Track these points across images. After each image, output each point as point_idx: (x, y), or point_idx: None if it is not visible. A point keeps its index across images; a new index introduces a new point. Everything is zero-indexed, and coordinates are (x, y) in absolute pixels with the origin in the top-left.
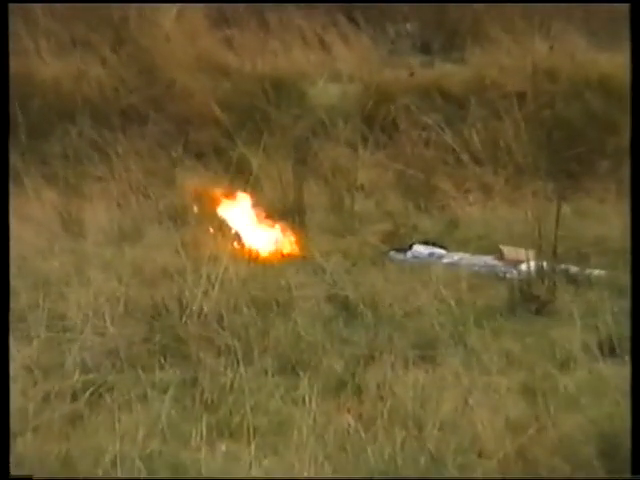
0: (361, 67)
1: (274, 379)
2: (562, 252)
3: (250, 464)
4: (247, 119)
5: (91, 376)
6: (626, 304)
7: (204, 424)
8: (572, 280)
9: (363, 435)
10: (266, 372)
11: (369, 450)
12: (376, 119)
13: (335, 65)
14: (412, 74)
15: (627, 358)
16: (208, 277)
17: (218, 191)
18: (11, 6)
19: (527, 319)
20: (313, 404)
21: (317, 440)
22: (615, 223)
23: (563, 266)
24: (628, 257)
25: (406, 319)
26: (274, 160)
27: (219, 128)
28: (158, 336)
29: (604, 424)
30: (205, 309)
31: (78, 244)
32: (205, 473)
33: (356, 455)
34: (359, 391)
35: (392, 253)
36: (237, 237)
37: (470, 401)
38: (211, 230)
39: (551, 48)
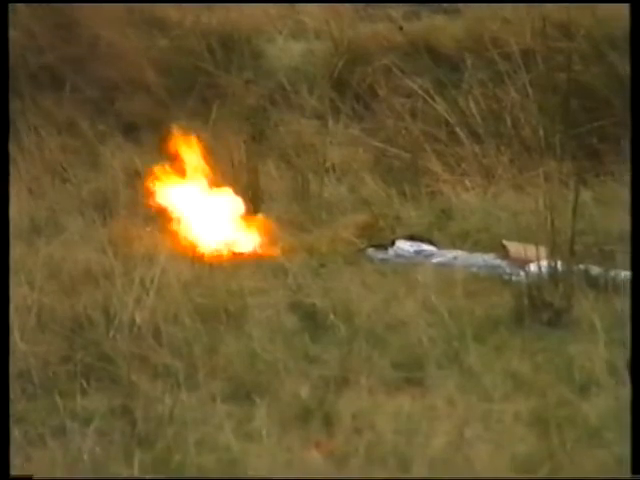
0: (330, 20)
1: (224, 407)
2: (581, 249)
3: None
4: (189, 85)
5: None
6: None
7: (137, 463)
8: (593, 284)
9: (334, 476)
10: (214, 399)
11: None
12: (349, 84)
13: (298, 17)
14: (401, 28)
15: None
16: (142, 281)
17: (154, 173)
18: None
19: (538, 332)
20: (272, 438)
21: None
22: None
23: (582, 266)
24: None
25: (388, 333)
26: (223, 135)
27: (154, 96)
28: (79, 354)
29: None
30: (138, 320)
31: None
32: None
33: None
34: (329, 422)
35: (370, 251)
36: (177, 231)
37: (467, 434)
38: (145, 222)
39: None
